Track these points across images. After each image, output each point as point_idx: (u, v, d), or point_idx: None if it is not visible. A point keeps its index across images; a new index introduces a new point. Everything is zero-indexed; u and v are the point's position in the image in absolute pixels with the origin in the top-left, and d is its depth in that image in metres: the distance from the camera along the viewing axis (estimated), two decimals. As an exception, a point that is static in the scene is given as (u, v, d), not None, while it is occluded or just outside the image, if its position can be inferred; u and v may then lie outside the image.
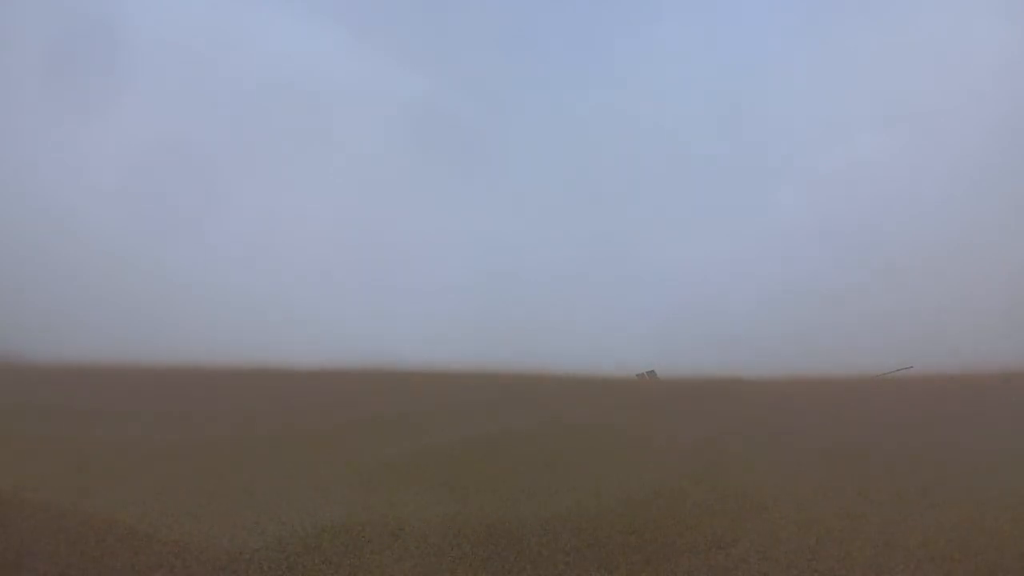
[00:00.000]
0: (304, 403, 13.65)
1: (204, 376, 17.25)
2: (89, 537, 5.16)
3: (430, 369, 18.72)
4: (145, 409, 12.21)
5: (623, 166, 25.73)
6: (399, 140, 25.43)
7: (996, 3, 23.54)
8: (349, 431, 10.14)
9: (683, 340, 20.16)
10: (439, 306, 21.98)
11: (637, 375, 18.96)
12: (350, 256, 22.74)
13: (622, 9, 30.10)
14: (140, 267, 21.56)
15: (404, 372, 18.65)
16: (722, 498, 6.35)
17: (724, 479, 7.08)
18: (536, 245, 24.37)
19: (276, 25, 26.09)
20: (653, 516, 5.82)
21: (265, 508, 5.92)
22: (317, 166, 24.69)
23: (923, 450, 8.86)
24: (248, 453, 8.25)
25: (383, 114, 25.71)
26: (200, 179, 23.74)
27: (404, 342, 20.01)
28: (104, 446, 8.55)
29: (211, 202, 23.20)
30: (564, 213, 25.25)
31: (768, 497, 6.43)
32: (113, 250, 21.70)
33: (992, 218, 21.72)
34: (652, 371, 19.03)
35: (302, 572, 4.71)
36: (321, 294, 21.77)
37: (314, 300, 21.59)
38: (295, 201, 23.51)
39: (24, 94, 23.60)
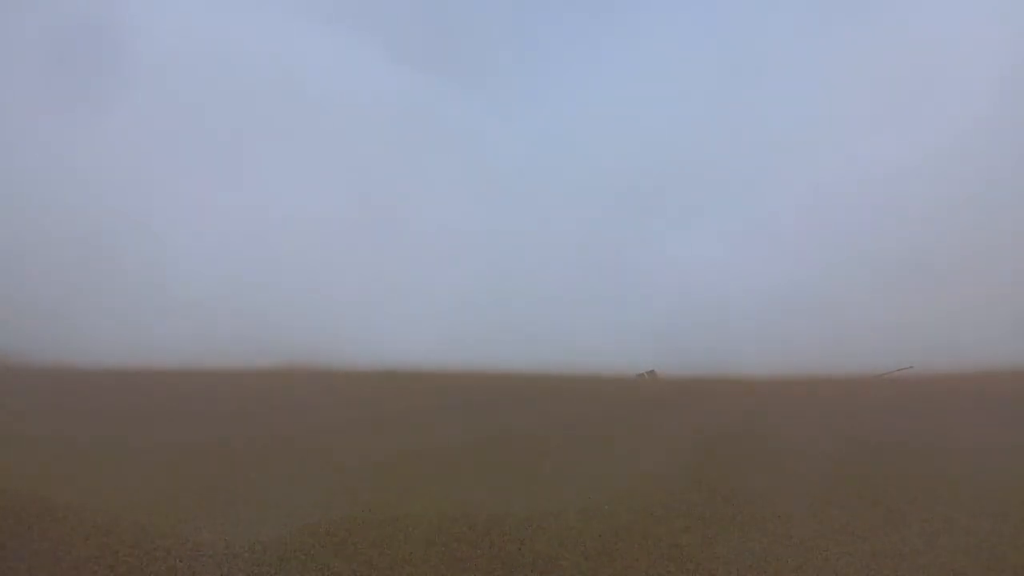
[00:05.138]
0: (304, 402, 13.66)
1: (204, 376, 17.27)
2: (91, 536, 5.17)
3: (431, 369, 18.73)
4: (146, 409, 12.23)
5: (624, 168, 25.73)
6: (398, 141, 25.44)
7: (995, 8, 23.57)
8: (350, 430, 10.16)
9: (683, 340, 20.17)
10: (439, 307, 22.00)
11: (637, 375, 18.97)
12: (349, 257, 22.75)
13: (621, 12, 30.13)
14: (138, 267, 21.57)
15: (405, 372, 18.65)
16: (720, 497, 6.36)
17: (723, 478, 7.08)
18: (536, 246, 24.38)
19: (276, 25, 26.10)
20: (651, 515, 5.82)
21: (268, 506, 5.93)
22: (316, 166, 24.71)
23: (923, 450, 8.87)
24: (250, 452, 8.25)
25: (383, 115, 25.72)
26: (199, 179, 23.76)
27: (404, 342, 20.02)
28: (105, 446, 8.56)
29: (210, 202, 23.21)
30: (563, 213, 25.26)
31: (765, 496, 6.43)
32: (112, 250, 21.72)
33: (993, 219, 21.74)
34: (652, 371, 19.04)
35: (304, 569, 4.71)
36: (321, 294, 21.78)
37: (314, 300, 21.60)
38: (294, 201, 23.50)
39: (22, 94, 23.62)
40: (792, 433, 10.22)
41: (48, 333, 19.27)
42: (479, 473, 7.30)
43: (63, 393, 14.07)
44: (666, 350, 19.67)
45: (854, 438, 9.68)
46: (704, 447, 9.03)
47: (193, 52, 24.60)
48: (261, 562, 4.84)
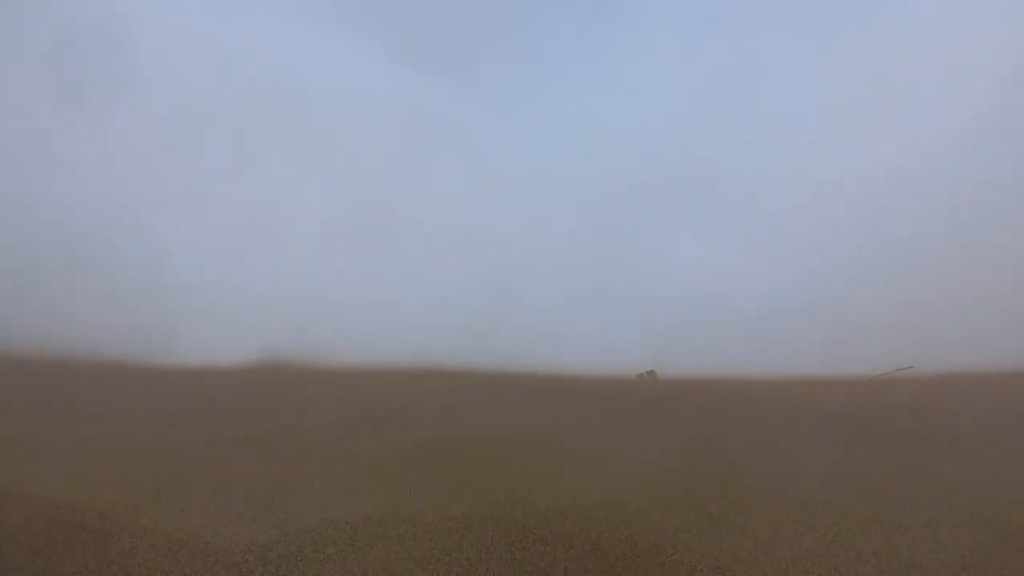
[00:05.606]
0: (304, 401, 13.65)
1: (203, 374, 17.26)
2: (87, 535, 5.16)
3: (431, 368, 18.72)
4: (144, 408, 12.23)
5: (623, 166, 25.73)
6: (398, 140, 25.45)
7: (995, 8, 23.57)
8: (348, 429, 10.14)
9: (683, 340, 20.15)
10: (437, 305, 21.99)
11: (637, 375, 18.96)
12: (346, 255, 22.75)
13: (621, 12, 30.13)
14: (136, 266, 21.57)
15: (403, 371, 18.65)
16: (720, 497, 6.35)
17: (723, 478, 7.08)
18: (535, 245, 24.39)
19: (275, 25, 26.11)
20: (651, 515, 5.82)
21: (267, 505, 5.92)
22: (315, 166, 24.71)
23: (922, 450, 8.87)
24: (249, 451, 8.25)
25: (383, 115, 25.73)
26: (198, 179, 23.77)
27: (402, 341, 20.02)
28: (104, 443, 8.56)
29: (206, 202, 23.23)
30: (563, 213, 25.26)
31: (765, 498, 6.43)
32: (110, 248, 21.73)
33: (993, 219, 21.74)
34: (652, 371, 19.03)
35: (303, 568, 4.71)
36: (319, 294, 21.78)
37: (312, 299, 21.61)
38: (293, 200, 23.51)
39: (22, 94, 23.63)
40: (792, 433, 10.22)
41: (47, 331, 19.29)
42: (478, 473, 7.29)
43: (61, 390, 14.08)
44: (666, 350, 19.65)
45: (854, 438, 9.67)
46: (704, 447, 9.02)
47: (193, 52, 24.60)
48: (261, 561, 4.83)
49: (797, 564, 4.87)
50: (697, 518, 5.77)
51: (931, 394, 14.43)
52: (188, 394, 14.53)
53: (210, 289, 21.04)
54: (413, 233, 23.80)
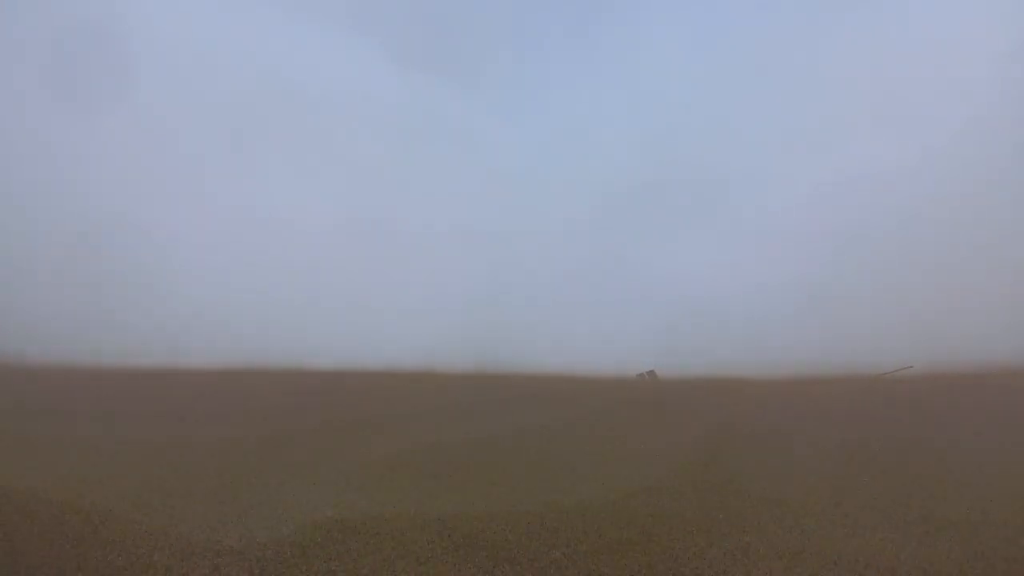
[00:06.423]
0: (304, 402, 13.65)
1: (201, 376, 17.26)
2: (89, 535, 5.16)
3: (431, 369, 18.73)
4: (143, 409, 12.22)
5: (623, 167, 25.75)
6: (396, 140, 25.47)
7: (995, 8, 23.60)
8: (350, 430, 10.14)
9: (683, 340, 20.17)
10: (438, 306, 22.00)
11: (637, 375, 18.97)
12: (347, 256, 22.76)
13: (621, 12, 30.16)
14: (135, 268, 21.58)
15: (405, 372, 18.65)
16: (719, 499, 6.35)
17: (722, 480, 7.08)
18: (536, 246, 24.41)
19: (275, 25, 26.11)
20: (651, 515, 5.82)
21: (266, 506, 5.92)
22: (315, 166, 24.73)
23: (923, 451, 8.87)
24: (249, 452, 8.25)
25: (380, 114, 25.75)
26: (195, 179, 23.78)
27: (403, 342, 20.03)
28: (103, 446, 8.56)
29: (206, 202, 23.24)
30: (564, 214, 25.28)
31: (765, 498, 6.42)
32: (109, 250, 21.73)
33: (991, 218, 21.76)
34: (652, 371, 19.03)
35: (303, 567, 4.71)
36: (320, 294, 21.79)
37: (312, 300, 21.61)
38: (293, 201, 23.53)
39: (21, 94, 23.63)
40: (792, 433, 10.22)
41: (46, 334, 19.29)
42: (479, 473, 7.29)
43: (61, 393, 14.07)
44: (666, 350, 19.68)
45: (854, 438, 9.67)
46: (704, 447, 9.03)
47: (192, 52, 24.64)
48: (260, 561, 4.83)
49: (798, 563, 4.87)
50: (697, 517, 5.76)
51: (931, 394, 14.42)
52: (188, 395, 14.53)
53: (209, 290, 21.05)
54: (413, 234, 23.82)
